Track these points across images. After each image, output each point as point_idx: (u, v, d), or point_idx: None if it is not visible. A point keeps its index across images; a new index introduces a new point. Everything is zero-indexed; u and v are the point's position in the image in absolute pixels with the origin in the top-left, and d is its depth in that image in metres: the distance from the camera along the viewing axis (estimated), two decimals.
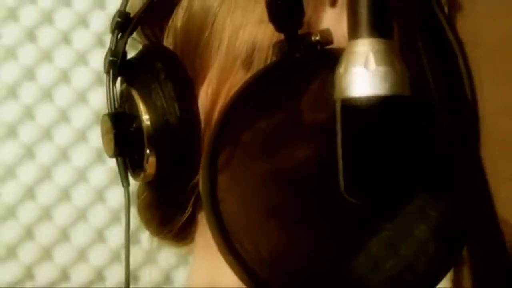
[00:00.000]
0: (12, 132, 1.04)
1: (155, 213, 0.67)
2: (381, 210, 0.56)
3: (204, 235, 0.64)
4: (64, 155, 1.06)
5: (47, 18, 1.06)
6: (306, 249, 0.57)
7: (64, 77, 1.06)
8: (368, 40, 0.41)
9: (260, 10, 0.58)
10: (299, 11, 0.53)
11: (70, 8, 1.07)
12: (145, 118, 0.60)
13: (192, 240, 0.69)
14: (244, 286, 0.54)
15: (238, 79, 0.58)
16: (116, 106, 0.62)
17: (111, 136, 0.60)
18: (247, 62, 0.59)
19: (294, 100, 0.55)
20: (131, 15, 0.64)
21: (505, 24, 1.25)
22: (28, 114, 1.05)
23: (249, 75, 0.57)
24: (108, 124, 0.61)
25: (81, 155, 1.06)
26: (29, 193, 1.04)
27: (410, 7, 0.41)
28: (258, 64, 0.58)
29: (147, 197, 0.67)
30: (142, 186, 0.68)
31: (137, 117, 0.60)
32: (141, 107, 0.60)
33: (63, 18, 1.06)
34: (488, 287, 0.38)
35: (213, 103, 0.60)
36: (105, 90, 0.62)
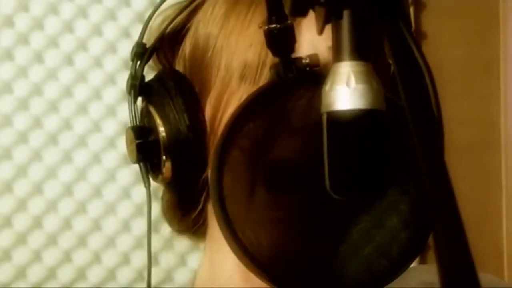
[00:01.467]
0: (53, 140, 1.04)
1: (176, 212, 0.67)
2: (361, 205, 0.55)
3: (214, 228, 0.64)
4: (97, 159, 1.06)
5: (83, 46, 1.06)
6: (298, 238, 0.56)
7: (97, 94, 1.06)
8: (349, 63, 0.40)
9: (250, 35, 0.59)
10: (292, 39, 0.53)
11: (102, 37, 1.07)
12: (161, 130, 0.60)
13: (204, 233, 0.69)
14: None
15: (234, 89, 0.59)
16: (138, 120, 0.62)
17: (134, 145, 0.61)
18: (242, 76, 0.59)
19: (288, 113, 0.55)
20: (147, 46, 0.64)
21: (462, 51, 1.25)
22: (67, 125, 1.05)
23: (243, 85, 0.58)
24: (131, 135, 0.61)
25: (111, 159, 1.06)
26: (68, 191, 1.04)
27: (385, 34, 0.40)
28: (250, 77, 0.58)
29: (168, 200, 0.67)
30: (164, 191, 0.68)
31: (154, 129, 0.61)
32: (157, 121, 0.60)
33: (97, 46, 1.06)
34: (450, 269, 0.37)
35: (216, 110, 0.60)
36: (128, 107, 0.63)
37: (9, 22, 1.02)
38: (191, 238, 0.70)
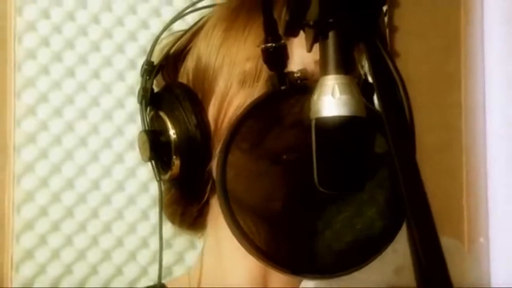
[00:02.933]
0: (83, 142, 1.03)
1: (178, 205, 0.67)
2: (344, 198, 0.55)
3: (215, 219, 0.64)
4: (120, 159, 1.05)
5: (108, 62, 1.05)
6: (291, 225, 0.56)
7: (120, 104, 1.06)
8: (334, 76, 0.40)
9: (247, 50, 0.59)
10: (285, 56, 0.53)
11: (124, 55, 1.06)
12: (172, 132, 0.60)
13: (201, 229, 0.68)
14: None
15: (235, 93, 0.59)
16: (148, 126, 0.63)
17: (147, 146, 0.61)
18: (241, 81, 0.59)
19: (282, 119, 0.55)
20: (155, 64, 0.65)
21: (429, 67, 1.25)
22: (95, 129, 1.04)
23: (243, 89, 0.59)
24: (144, 138, 0.61)
25: (132, 158, 1.05)
26: (95, 186, 1.04)
27: (365, 52, 0.40)
28: (249, 82, 0.59)
29: (172, 195, 0.67)
30: (166, 189, 0.67)
31: (165, 132, 0.61)
32: (168, 124, 0.60)
33: (120, 62, 1.06)
34: (420, 250, 0.37)
35: (219, 111, 0.60)
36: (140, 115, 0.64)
37: (46, 42, 1.02)
38: (188, 233, 0.70)
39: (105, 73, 1.05)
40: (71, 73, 1.03)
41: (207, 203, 0.64)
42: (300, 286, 0.60)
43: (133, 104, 1.05)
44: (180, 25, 0.69)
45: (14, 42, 1.00)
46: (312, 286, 0.59)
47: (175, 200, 0.66)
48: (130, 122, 1.05)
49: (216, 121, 0.60)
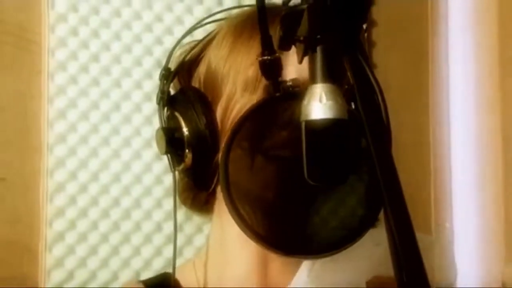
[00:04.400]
0: (105, 142, 1.03)
1: (190, 193, 0.67)
2: (329, 189, 0.55)
3: (219, 210, 0.63)
4: (138, 155, 1.05)
5: (127, 73, 1.05)
6: (284, 213, 0.56)
7: (138, 108, 1.05)
8: (321, 85, 0.40)
9: (251, 58, 0.59)
10: (279, 67, 0.53)
11: (142, 67, 1.06)
12: (185, 130, 0.60)
13: (209, 213, 0.68)
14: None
15: (239, 98, 0.59)
16: (165, 124, 0.63)
17: (163, 141, 0.61)
18: (244, 88, 0.59)
19: (276, 121, 0.55)
20: (172, 70, 0.65)
21: (400, 76, 1.25)
22: (116, 131, 1.04)
23: (245, 95, 0.59)
24: (161, 134, 0.61)
25: (148, 155, 1.04)
26: (116, 178, 1.03)
27: (347, 63, 0.40)
28: (251, 88, 0.58)
29: (185, 184, 0.67)
30: (180, 178, 0.67)
31: (179, 129, 0.61)
32: (182, 122, 0.61)
33: (138, 73, 1.05)
34: (396, 235, 0.36)
35: (225, 113, 0.60)
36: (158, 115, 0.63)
37: (74, 56, 1.02)
38: (198, 215, 0.70)
39: (125, 82, 1.05)
40: (96, 82, 1.03)
41: (213, 193, 0.64)
42: (290, 286, 0.59)
43: (149, 109, 1.05)
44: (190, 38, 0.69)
45: (47, 55, 1.00)
46: (303, 286, 0.58)
47: (187, 187, 0.67)
48: (147, 124, 1.05)
49: (222, 120, 0.60)
